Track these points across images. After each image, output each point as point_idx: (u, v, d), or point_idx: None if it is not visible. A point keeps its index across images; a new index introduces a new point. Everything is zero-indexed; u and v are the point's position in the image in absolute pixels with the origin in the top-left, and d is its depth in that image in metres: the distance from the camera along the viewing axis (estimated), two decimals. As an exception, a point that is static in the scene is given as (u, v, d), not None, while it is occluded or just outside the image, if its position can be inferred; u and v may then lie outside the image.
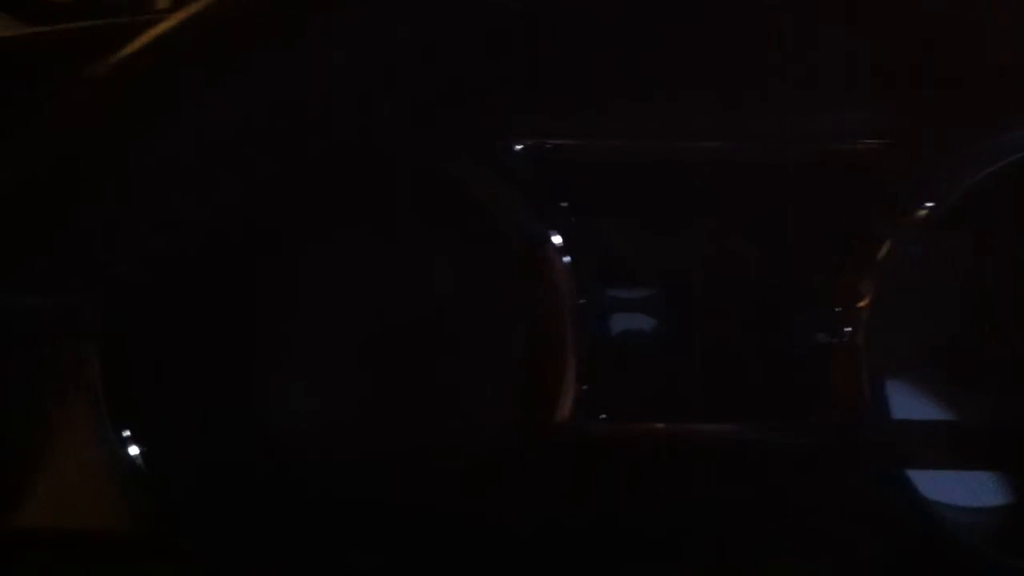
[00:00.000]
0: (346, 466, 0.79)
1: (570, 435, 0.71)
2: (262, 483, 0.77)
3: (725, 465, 0.71)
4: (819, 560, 0.64)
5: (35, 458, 0.64)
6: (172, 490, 0.69)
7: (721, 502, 0.69)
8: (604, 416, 0.72)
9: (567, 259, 0.71)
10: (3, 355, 0.56)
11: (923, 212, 0.72)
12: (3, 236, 0.48)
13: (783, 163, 0.73)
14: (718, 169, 0.74)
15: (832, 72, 0.70)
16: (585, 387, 0.71)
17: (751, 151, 0.73)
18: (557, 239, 0.71)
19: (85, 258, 0.54)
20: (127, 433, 0.68)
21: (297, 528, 0.74)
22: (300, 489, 0.78)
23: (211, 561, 0.68)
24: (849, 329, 0.70)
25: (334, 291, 0.80)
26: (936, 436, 0.77)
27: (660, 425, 0.73)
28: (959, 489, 0.76)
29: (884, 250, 0.71)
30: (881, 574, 0.54)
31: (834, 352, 0.71)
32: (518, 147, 0.71)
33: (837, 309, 0.71)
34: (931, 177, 0.72)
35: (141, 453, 0.68)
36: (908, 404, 0.78)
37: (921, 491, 0.70)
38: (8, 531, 0.63)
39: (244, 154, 0.63)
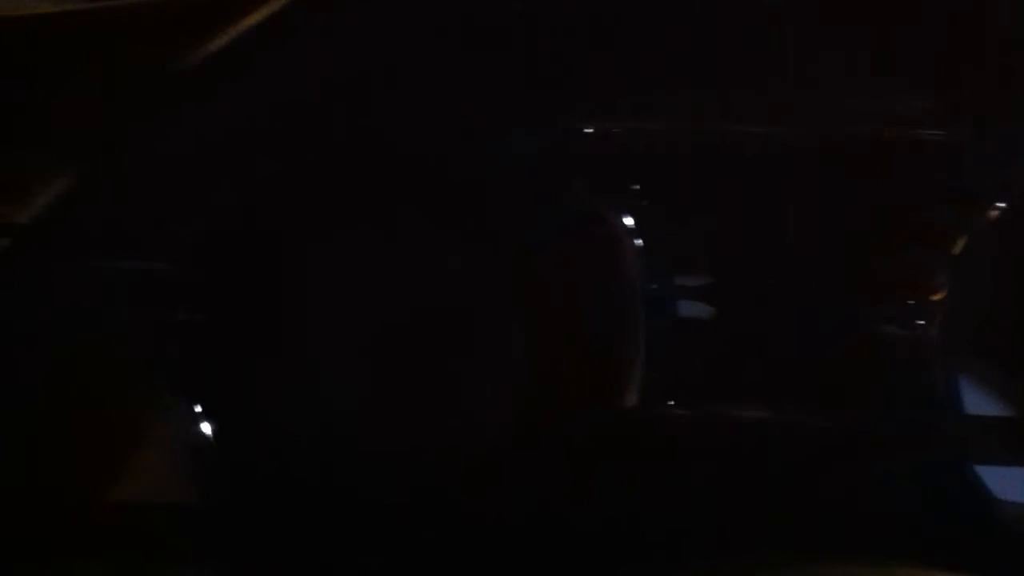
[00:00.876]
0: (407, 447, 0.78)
1: (636, 421, 0.70)
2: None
3: (792, 452, 0.70)
4: (882, 546, 0.63)
5: (131, 437, 0.64)
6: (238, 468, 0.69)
7: (790, 487, 0.69)
8: (671, 402, 0.71)
9: (639, 242, 0.69)
10: (105, 326, 0.56)
11: (999, 208, 0.71)
12: (103, 204, 0.48)
13: (860, 151, 0.72)
14: (792, 156, 0.74)
15: (907, 60, 0.69)
16: (653, 373, 0.70)
17: (827, 138, 0.72)
18: (629, 221, 0.70)
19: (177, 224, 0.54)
20: (197, 410, 0.68)
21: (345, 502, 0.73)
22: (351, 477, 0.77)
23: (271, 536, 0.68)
24: (922, 322, 0.69)
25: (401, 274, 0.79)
26: (1005, 431, 0.76)
27: (728, 412, 0.73)
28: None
29: (960, 244, 0.70)
30: (944, 566, 0.53)
31: (907, 344, 0.70)
32: (588, 130, 0.70)
33: (911, 302, 0.70)
34: (1008, 173, 0.72)
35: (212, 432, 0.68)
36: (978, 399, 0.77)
37: (989, 486, 0.69)
38: (104, 504, 0.63)
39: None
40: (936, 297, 0.70)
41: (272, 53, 0.62)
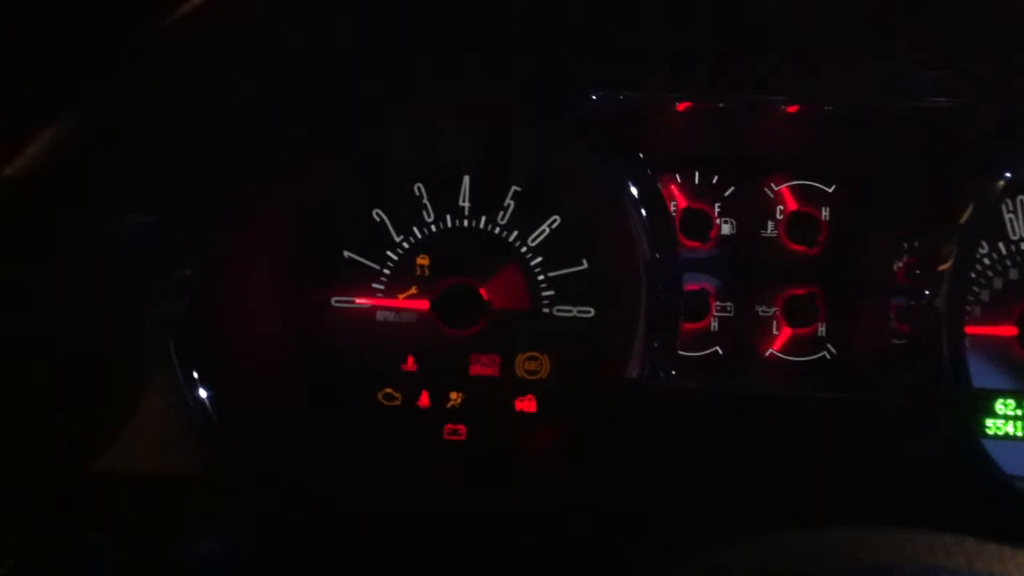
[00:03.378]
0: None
1: (639, 391, 0.69)
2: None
3: (795, 425, 0.69)
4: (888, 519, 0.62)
5: (128, 405, 0.65)
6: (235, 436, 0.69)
7: (792, 461, 0.68)
8: (674, 373, 0.70)
9: (642, 212, 0.69)
10: (116, 283, 0.57)
11: (1005, 179, 0.70)
12: (109, 157, 0.49)
13: (866, 121, 0.72)
14: (799, 126, 0.73)
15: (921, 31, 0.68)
16: (657, 344, 0.70)
17: (835, 108, 0.71)
18: (633, 191, 0.70)
19: (184, 183, 0.55)
20: (196, 376, 0.68)
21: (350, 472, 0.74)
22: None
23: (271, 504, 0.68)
24: (928, 292, 0.68)
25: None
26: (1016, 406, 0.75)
27: (728, 385, 0.72)
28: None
29: (967, 214, 0.69)
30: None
31: (913, 315, 0.69)
32: (594, 96, 0.70)
33: (918, 272, 0.70)
34: (1015, 145, 0.70)
35: (208, 397, 0.68)
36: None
37: (998, 462, 0.68)
38: (90, 473, 0.64)
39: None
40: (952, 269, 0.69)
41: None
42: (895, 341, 0.71)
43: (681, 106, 0.71)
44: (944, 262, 0.68)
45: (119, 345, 0.64)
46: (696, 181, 0.76)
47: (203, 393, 0.68)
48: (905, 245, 0.72)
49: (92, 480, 0.65)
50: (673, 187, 0.76)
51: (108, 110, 0.50)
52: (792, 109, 0.71)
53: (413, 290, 0.79)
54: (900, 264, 0.72)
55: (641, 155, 0.71)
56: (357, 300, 0.79)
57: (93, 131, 0.48)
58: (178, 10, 0.48)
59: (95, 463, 0.65)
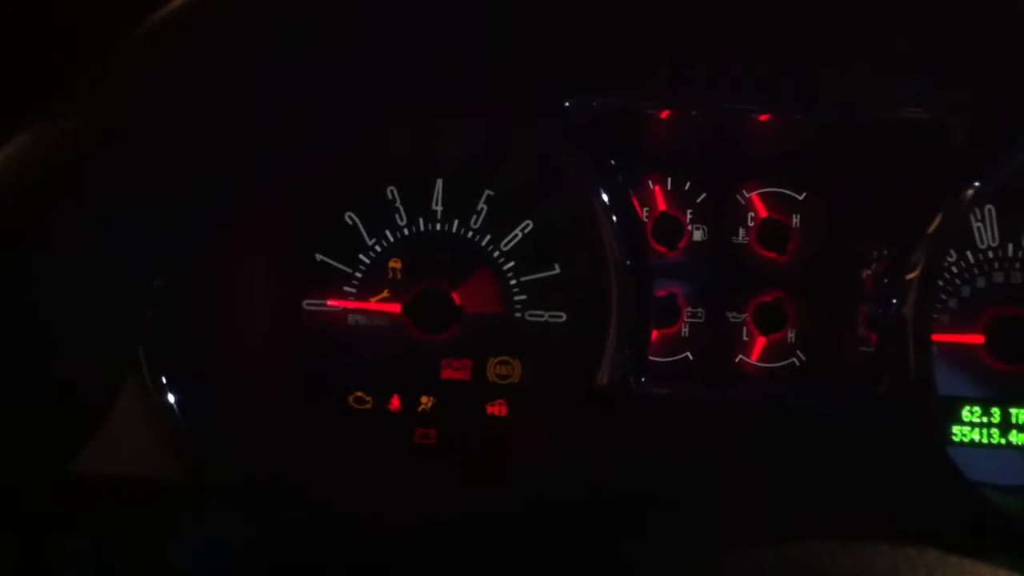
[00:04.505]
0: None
1: (610, 398, 0.70)
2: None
3: (764, 432, 0.70)
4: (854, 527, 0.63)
5: (101, 409, 0.64)
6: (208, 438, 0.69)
7: (759, 468, 0.68)
8: (644, 380, 0.71)
9: (614, 218, 0.70)
10: (97, 288, 0.56)
11: (974, 188, 0.70)
12: (95, 165, 0.48)
13: (838, 129, 0.72)
14: (772, 134, 0.73)
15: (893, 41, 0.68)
16: (627, 350, 0.70)
17: (807, 117, 0.72)
18: (605, 197, 0.70)
19: (165, 193, 0.55)
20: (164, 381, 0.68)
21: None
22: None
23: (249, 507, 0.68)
24: (896, 300, 0.69)
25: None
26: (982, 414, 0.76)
27: (700, 391, 0.73)
28: (1002, 468, 0.75)
29: (935, 223, 0.69)
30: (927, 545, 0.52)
31: (881, 323, 0.70)
32: (567, 103, 0.70)
33: (886, 280, 0.70)
34: (985, 154, 0.71)
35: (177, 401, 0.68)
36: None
37: (964, 469, 0.68)
38: (65, 477, 0.63)
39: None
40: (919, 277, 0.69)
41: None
42: (863, 348, 0.71)
43: (663, 114, 0.72)
44: (912, 270, 0.69)
45: (112, 344, 0.64)
46: (668, 187, 0.76)
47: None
48: (874, 253, 0.72)
49: (77, 481, 0.64)
50: (646, 193, 0.76)
51: (107, 109, 0.49)
52: (765, 118, 0.72)
53: (385, 293, 0.79)
54: (868, 272, 0.72)
55: (613, 161, 0.71)
56: (329, 303, 0.79)
57: (91, 130, 0.48)
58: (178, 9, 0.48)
59: (80, 464, 0.65)
